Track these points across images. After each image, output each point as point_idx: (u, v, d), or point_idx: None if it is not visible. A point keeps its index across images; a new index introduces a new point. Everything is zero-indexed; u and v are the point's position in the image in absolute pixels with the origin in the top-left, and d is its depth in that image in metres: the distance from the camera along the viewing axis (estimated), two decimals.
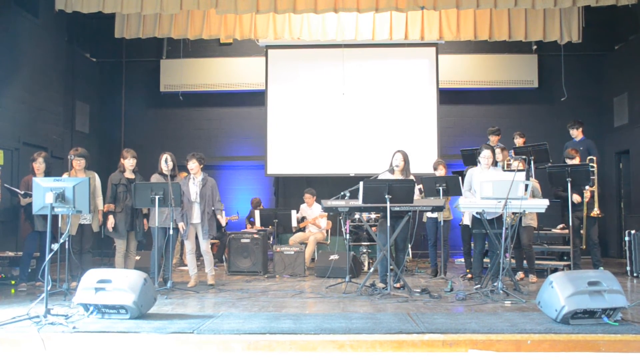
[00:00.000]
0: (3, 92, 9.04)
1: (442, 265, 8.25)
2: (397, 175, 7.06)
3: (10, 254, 8.00)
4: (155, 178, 7.41)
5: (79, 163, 7.38)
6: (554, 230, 8.71)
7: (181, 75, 12.32)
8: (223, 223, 7.44)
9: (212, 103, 12.63)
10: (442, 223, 8.02)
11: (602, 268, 7.09)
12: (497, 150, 7.68)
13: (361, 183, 6.55)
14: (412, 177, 7.04)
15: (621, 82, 11.23)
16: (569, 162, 7.88)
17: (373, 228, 8.28)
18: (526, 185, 6.30)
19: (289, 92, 11.92)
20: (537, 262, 8.00)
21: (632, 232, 8.47)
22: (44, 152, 8.05)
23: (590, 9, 9.84)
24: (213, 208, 7.44)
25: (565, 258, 8.67)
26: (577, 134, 8.95)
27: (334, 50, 11.64)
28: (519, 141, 9.22)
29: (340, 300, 6.25)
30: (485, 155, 6.95)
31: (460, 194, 7.79)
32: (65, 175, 7.12)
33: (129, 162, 7.51)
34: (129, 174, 7.52)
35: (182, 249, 9.48)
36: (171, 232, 7.02)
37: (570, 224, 7.49)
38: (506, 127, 10.81)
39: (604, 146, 11.29)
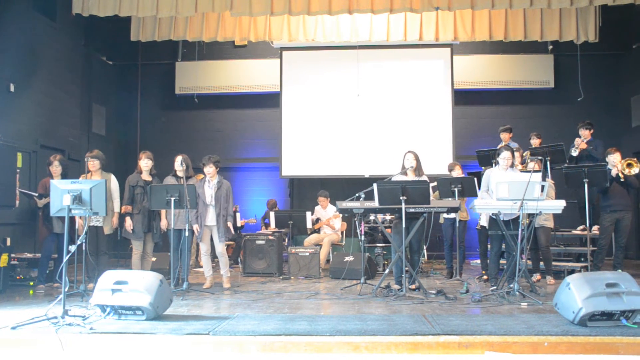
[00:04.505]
0: (21, 95, 9.15)
1: (457, 267, 8.21)
2: (411, 176, 7.04)
3: (29, 255, 8.08)
4: (169, 180, 7.47)
5: (93, 164, 7.44)
6: (573, 232, 8.62)
7: (196, 78, 12.40)
8: (232, 230, 7.47)
9: (227, 105, 12.68)
10: (458, 224, 8.00)
11: (620, 270, 7.01)
12: (517, 155, 7.61)
13: (375, 185, 6.54)
14: (425, 177, 7.02)
15: (639, 82, 11.10)
16: (609, 158, 7.72)
17: (388, 229, 8.26)
18: (542, 186, 6.25)
19: (303, 94, 11.93)
20: (554, 263, 7.93)
21: None
22: (60, 154, 8.13)
23: (607, 8, 9.77)
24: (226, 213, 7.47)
25: (582, 259, 8.59)
26: (587, 134, 8.88)
27: (349, 52, 11.64)
28: (535, 142, 9.18)
29: (355, 302, 6.24)
30: (504, 157, 6.90)
31: (475, 195, 7.76)
32: (82, 178, 7.19)
33: (143, 163, 7.55)
34: (145, 176, 7.57)
35: (198, 250, 9.52)
36: (187, 234, 7.05)
37: (588, 224, 7.40)
38: (522, 128, 10.76)
39: (621, 147, 11.08)
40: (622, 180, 7.55)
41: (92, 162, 7.44)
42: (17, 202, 8.70)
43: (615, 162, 7.63)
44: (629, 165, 7.56)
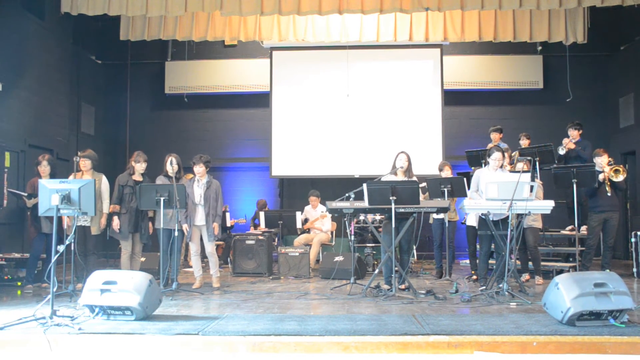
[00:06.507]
0: (9, 94, 9.08)
1: (447, 267, 8.23)
2: (400, 176, 7.05)
3: (17, 255, 8.03)
4: (160, 180, 7.44)
5: (84, 164, 7.39)
6: (562, 232, 8.67)
7: (186, 77, 12.35)
8: (216, 232, 7.44)
9: (216, 105, 12.65)
10: (447, 224, 8.02)
11: (608, 270, 7.06)
12: (505, 155, 7.65)
13: (364, 185, 6.54)
14: (415, 178, 7.03)
15: (627, 83, 11.19)
16: (597, 160, 7.77)
17: (378, 229, 8.27)
18: (531, 187, 6.28)
19: (293, 94, 11.93)
20: (542, 263, 7.97)
21: (639, 233, 8.44)
22: (48, 154, 8.08)
23: (596, 10, 9.82)
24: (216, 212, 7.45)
25: (571, 259, 8.64)
26: (577, 135, 8.94)
27: (339, 52, 11.65)
28: (524, 142, 9.23)
29: (345, 302, 6.24)
30: (495, 157, 6.91)
31: (465, 195, 7.79)
32: (71, 177, 7.14)
33: (140, 166, 7.51)
34: (137, 177, 7.53)
35: (187, 250, 9.49)
36: (176, 233, 7.02)
37: (576, 224, 7.45)
38: (511, 129, 10.81)
39: (609, 147, 11.22)
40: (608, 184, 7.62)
41: (84, 161, 7.39)
42: (5, 201, 8.66)
43: (602, 165, 7.68)
44: (616, 172, 7.63)
